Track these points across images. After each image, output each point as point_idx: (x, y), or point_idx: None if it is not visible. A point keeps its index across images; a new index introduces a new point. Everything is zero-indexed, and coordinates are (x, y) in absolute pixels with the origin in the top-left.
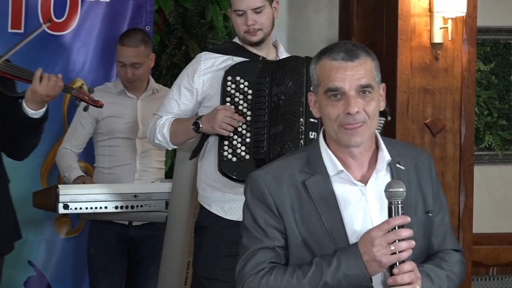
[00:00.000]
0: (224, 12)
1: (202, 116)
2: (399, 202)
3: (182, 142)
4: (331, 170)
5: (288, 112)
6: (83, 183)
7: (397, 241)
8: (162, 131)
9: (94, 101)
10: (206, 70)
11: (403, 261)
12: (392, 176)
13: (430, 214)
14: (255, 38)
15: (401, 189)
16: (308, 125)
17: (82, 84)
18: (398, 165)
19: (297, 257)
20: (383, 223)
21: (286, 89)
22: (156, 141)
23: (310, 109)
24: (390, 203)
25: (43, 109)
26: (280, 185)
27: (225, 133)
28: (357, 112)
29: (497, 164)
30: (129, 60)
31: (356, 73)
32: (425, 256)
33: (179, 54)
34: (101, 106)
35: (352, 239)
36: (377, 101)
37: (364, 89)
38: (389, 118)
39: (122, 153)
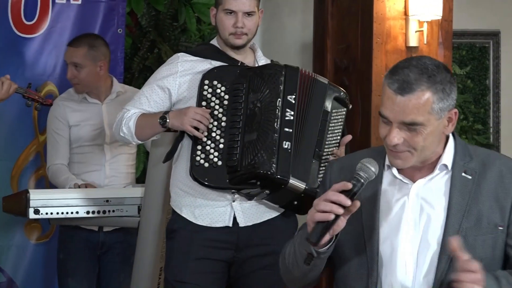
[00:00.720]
0: (198, 15)
1: (170, 111)
2: (364, 178)
3: (147, 136)
4: (385, 165)
5: (263, 121)
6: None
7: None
8: (128, 124)
9: (43, 99)
10: (184, 73)
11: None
12: (451, 183)
13: (500, 228)
14: (239, 42)
15: (372, 168)
16: (282, 135)
17: (30, 84)
18: (464, 174)
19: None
20: (328, 192)
21: (263, 96)
22: (121, 134)
23: None
24: (356, 174)
25: None
26: (342, 173)
27: (194, 132)
28: (397, 144)
29: None
30: (69, 59)
31: (402, 109)
32: (494, 269)
33: (151, 57)
34: (50, 105)
35: (382, 231)
36: (431, 132)
37: (409, 126)
38: (350, 106)
39: (91, 159)
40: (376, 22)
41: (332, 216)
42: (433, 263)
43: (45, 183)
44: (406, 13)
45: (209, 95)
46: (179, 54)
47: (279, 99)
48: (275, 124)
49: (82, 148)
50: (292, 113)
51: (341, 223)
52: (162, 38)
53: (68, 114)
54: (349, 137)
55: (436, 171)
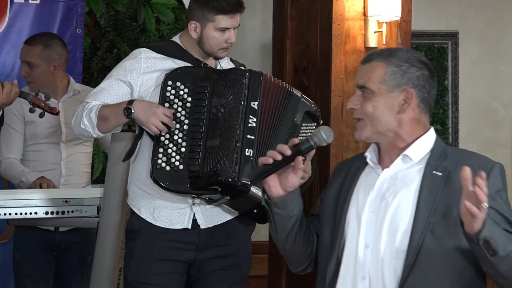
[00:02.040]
0: (157, 15)
1: (135, 101)
2: (312, 138)
3: (109, 128)
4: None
5: (226, 127)
6: (41, 186)
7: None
8: (90, 115)
9: (50, 108)
10: (146, 69)
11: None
12: (421, 180)
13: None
14: (225, 54)
15: (324, 136)
16: (245, 142)
17: (39, 90)
18: (434, 172)
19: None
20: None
21: (226, 102)
22: (82, 126)
23: None
24: (310, 137)
25: None
26: (342, 170)
27: (156, 132)
28: (352, 108)
29: None
30: (23, 57)
31: (360, 74)
32: (466, 260)
33: (110, 57)
34: (57, 114)
35: (349, 215)
36: (382, 104)
37: (361, 89)
38: (320, 121)
39: (46, 158)
40: (335, 22)
41: (271, 160)
42: (399, 255)
43: (4, 183)
44: (365, 14)
45: (172, 97)
46: (141, 49)
47: (242, 105)
48: (238, 131)
49: (38, 145)
50: (255, 119)
51: (292, 179)
52: (121, 38)
53: (24, 109)
54: (312, 152)
55: (398, 160)
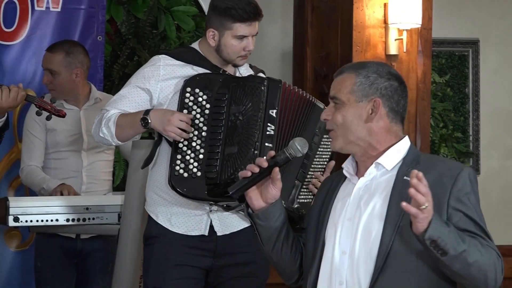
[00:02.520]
0: (177, 23)
1: (151, 110)
2: (289, 154)
3: (128, 137)
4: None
5: (244, 134)
6: (62, 193)
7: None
8: (108, 124)
9: (56, 110)
10: (165, 76)
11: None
12: (393, 186)
13: None
14: (243, 62)
15: (299, 148)
16: (263, 150)
17: (44, 94)
18: (405, 177)
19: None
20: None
21: (245, 109)
22: (101, 135)
23: None
24: (286, 149)
25: (3, 118)
26: (329, 180)
27: (176, 138)
28: (326, 119)
29: None
30: (45, 65)
31: (332, 86)
32: (434, 261)
33: (131, 64)
34: (63, 116)
35: (329, 225)
36: (351, 113)
37: (333, 100)
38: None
39: (68, 165)
40: (356, 30)
41: (249, 173)
42: (372, 258)
43: (25, 190)
44: (385, 22)
45: (190, 103)
46: (160, 56)
47: (260, 113)
48: (256, 138)
49: (59, 153)
50: (273, 127)
51: (272, 190)
52: (142, 46)
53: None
54: (332, 163)
55: (371, 168)
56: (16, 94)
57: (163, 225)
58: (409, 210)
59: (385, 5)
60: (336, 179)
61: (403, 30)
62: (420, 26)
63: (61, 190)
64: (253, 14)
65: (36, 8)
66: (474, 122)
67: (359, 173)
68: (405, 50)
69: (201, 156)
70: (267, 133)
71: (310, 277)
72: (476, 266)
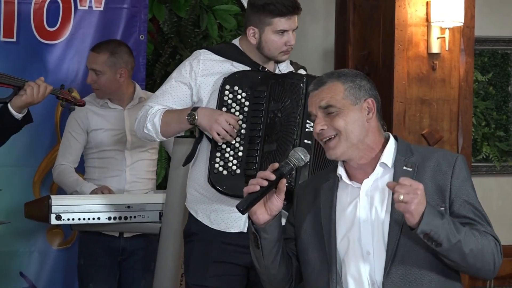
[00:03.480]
0: (219, 22)
1: (199, 107)
2: (294, 164)
3: (173, 133)
4: (338, 175)
5: (283, 131)
6: (103, 193)
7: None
8: (153, 120)
9: (76, 99)
10: (205, 72)
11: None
12: (393, 177)
13: (442, 208)
14: (286, 58)
15: (302, 156)
16: (302, 146)
17: (63, 85)
18: (404, 167)
19: (303, 245)
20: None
21: (284, 106)
22: (145, 131)
23: None
24: (288, 160)
25: (25, 111)
26: (306, 190)
27: (219, 140)
28: (322, 129)
29: (494, 175)
30: (90, 65)
31: (318, 97)
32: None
33: (173, 63)
34: (83, 105)
35: (339, 234)
36: (351, 117)
37: (326, 109)
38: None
39: (112, 164)
40: (398, 28)
41: (257, 187)
42: (383, 253)
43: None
44: (428, 20)
45: (229, 101)
46: (201, 50)
47: (299, 110)
48: (295, 135)
49: (103, 153)
50: (312, 124)
51: (276, 202)
52: (184, 45)
53: (89, 117)
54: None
55: (378, 168)
56: (45, 89)
57: (203, 222)
58: (399, 208)
59: (427, 3)
60: (324, 186)
61: (446, 28)
62: (462, 24)
63: (101, 190)
64: (292, 8)
65: (79, 7)
66: None
67: (354, 177)
68: (447, 49)
69: (240, 154)
70: (306, 130)
71: (331, 284)
72: (472, 255)
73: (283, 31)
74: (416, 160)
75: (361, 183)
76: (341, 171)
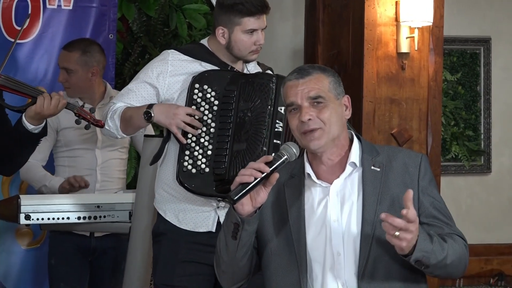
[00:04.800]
0: (189, 21)
1: (155, 105)
2: (283, 153)
3: (132, 130)
4: (305, 173)
5: (253, 131)
6: (71, 185)
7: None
8: (114, 117)
9: (95, 120)
10: (173, 72)
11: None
12: (362, 177)
13: None
14: (255, 57)
15: (295, 151)
16: (271, 147)
17: (84, 103)
18: (373, 167)
19: (264, 239)
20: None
21: (253, 106)
22: (106, 127)
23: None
24: (280, 153)
25: (42, 124)
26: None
27: (179, 136)
28: (310, 119)
29: (463, 175)
30: (61, 64)
31: (306, 87)
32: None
33: (142, 62)
34: (102, 126)
35: (308, 233)
36: (335, 110)
37: (315, 100)
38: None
39: (82, 163)
40: (367, 28)
41: (252, 178)
42: (357, 251)
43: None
44: (397, 19)
45: (198, 99)
46: (169, 51)
47: (269, 110)
48: (265, 135)
49: (73, 151)
50: (282, 124)
51: (263, 194)
52: (153, 44)
53: (59, 115)
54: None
55: (348, 168)
56: (58, 102)
57: (171, 222)
58: (392, 242)
59: (396, 3)
60: (290, 183)
61: (415, 28)
62: (431, 24)
63: (70, 182)
64: (261, 7)
65: (48, 6)
66: (486, 120)
67: (321, 176)
68: (416, 48)
69: (209, 152)
70: (276, 130)
71: (292, 284)
72: (452, 266)
73: (252, 31)
74: (383, 159)
75: (329, 183)
76: (308, 169)
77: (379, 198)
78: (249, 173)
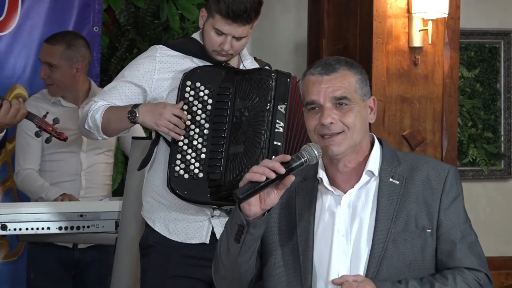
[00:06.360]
0: (181, 12)
1: (140, 105)
2: (305, 160)
3: (114, 131)
4: (318, 178)
5: (251, 131)
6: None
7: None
8: (95, 116)
9: (58, 133)
10: (162, 70)
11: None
12: (378, 190)
13: (428, 231)
14: (221, 59)
15: (315, 152)
16: (271, 149)
17: (47, 113)
18: (391, 180)
19: (269, 246)
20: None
21: (251, 105)
22: (86, 127)
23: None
24: (300, 153)
25: (1, 134)
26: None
27: (170, 133)
28: (331, 123)
29: (482, 180)
30: (44, 58)
31: (331, 86)
32: (425, 272)
33: (130, 57)
34: (65, 140)
35: (315, 247)
36: (360, 113)
37: (339, 101)
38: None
39: (66, 168)
40: (377, 20)
41: (263, 178)
42: (364, 272)
43: (13, 195)
44: (409, 11)
45: (191, 98)
46: (157, 46)
47: (268, 108)
48: (264, 136)
49: (55, 155)
50: (282, 124)
51: (274, 196)
52: (142, 37)
53: (42, 114)
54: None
55: (364, 177)
56: (16, 111)
57: (161, 233)
58: None
59: None
60: (303, 186)
61: (428, 20)
62: (447, 15)
63: (68, 198)
64: (235, 15)
65: None
66: (506, 121)
67: (334, 182)
68: (430, 42)
69: (203, 156)
70: (276, 130)
71: None
72: None
73: (220, 32)
74: (404, 171)
75: (343, 191)
76: (322, 174)
77: (394, 215)
78: (261, 172)
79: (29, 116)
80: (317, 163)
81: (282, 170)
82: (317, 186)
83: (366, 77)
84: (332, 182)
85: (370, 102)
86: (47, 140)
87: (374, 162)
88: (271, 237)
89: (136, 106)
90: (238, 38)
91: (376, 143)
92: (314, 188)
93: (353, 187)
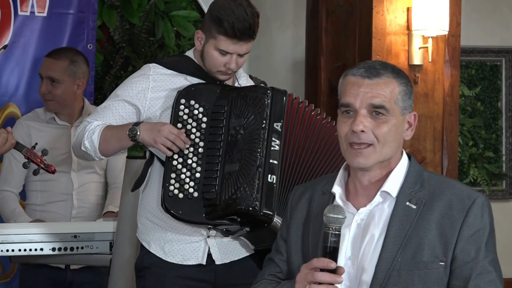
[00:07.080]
0: (177, 29)
1: (141, 123)
2: (335, 229)
3: (113, 151)
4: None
5: (246, 150)
6: None
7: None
8: (92, 137)
9: (46, 165)
10: (156, 88)
11: None
12: (392, 212)
13: (441, 263)
14: (224, 78)
15: (340, 216)
16: (267, 167)
17: (35, 145)
18: (408, 203)
19: (291, 269)
20: (313, 260)
21: (247, 122)
22: (82, 148)
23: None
24: (326, 229)
25: None
26: (301, 199)
27: (166, 151)
28: (363, 131)
29: None
30: (46, 72)
31: (371, 91)
32: None
33: (125, 75)
34: (53, 172)
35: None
36: (395, 127)
37: (376, 110)
38: None
39: (57, 188)
40: (376, 37)
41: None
42: None
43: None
44: (408, 28)
45: (185, 116)
46: (150, 65)
47: (264, 126)
48: (259, 154)
49: (46, 175)
50: (278, 142)
51: None
52: (137, 55)
53: (32, 134)
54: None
55: (377, 198)
56: (4, 141)
57: (156, 254)
58: None
59: (408, 9)
60: (318, 200)
61: (429, 37)
62: (447, 33)
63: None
64: (241, 33)
65: (20, 12)
66: (508, 140)
67: (350, 195)
68: (430, 60)
69: (198, 175)
70: (272, 148)
71: None
72: None
73: (226, 52)
74: (425, 195)
75: (358, 207)
76: (336, 189)
77: (404, 241)
78: (330, 281)
79: (18, 146)
80: (336, 173)
81: (333, 265)
82: (332, 200)
83: (412, 90)
84: (350, 196)
85: (410, 117)
86: (35, 172)
87: (394, 182)
88: (292, 261)
89: (137, 124)
90: (242, 55)
91: (403, 160)
92: (327, 200)
93: (365, 206)
